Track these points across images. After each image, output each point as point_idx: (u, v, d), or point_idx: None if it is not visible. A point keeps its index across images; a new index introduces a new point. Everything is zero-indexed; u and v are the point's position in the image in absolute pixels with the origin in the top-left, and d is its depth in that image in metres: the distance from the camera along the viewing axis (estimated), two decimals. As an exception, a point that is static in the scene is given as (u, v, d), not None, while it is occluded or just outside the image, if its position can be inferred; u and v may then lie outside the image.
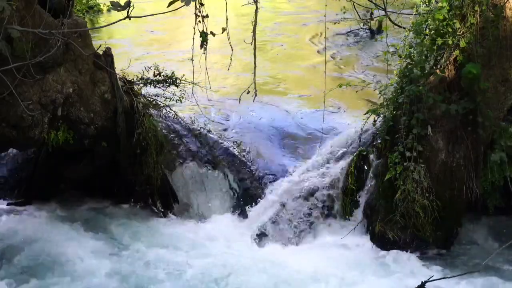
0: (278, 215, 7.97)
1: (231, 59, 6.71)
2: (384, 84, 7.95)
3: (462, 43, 7.06)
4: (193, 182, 8.49)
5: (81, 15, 14.04)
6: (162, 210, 8.34)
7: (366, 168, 7.96)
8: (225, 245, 7.59)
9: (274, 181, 8.42)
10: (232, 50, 6.58)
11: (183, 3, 4.09)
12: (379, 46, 12.08)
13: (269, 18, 14.03)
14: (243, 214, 8.18)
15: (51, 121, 7.25)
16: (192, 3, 4.22)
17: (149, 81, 8.44)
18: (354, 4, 11.77)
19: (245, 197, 8.36)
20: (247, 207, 8.26)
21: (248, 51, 9.25)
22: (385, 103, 7.78)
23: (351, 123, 8.98)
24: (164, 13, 4.55)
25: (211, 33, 6.18)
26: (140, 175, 8.14)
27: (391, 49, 7.91)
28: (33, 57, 6.24)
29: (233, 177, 8.50)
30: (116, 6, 4.02)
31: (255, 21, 6.59)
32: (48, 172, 8.26)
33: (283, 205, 8.03)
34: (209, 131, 8.97)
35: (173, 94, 8.48)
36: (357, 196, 7.92)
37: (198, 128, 8.92)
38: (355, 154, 8.09)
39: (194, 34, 6.24)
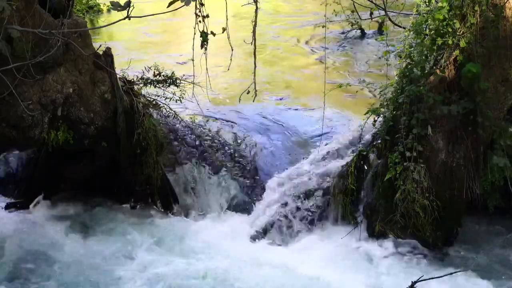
0: (278, 215, 7.97)
1: (231, 59, 6.71)
2: (384, 84, 7.95)
3: (462, 43, 7.05)
4: (193, 182, 8.49)
5: (81, 15, 14.03)
6: (162, 210, 8.34)
7: (366, 168, 7.95)
8: (224, 245, 7.59)
9: (274, 181, 8.42)
10: (232, 50, 6.58)
11: (183, 3, 4.09)
12: (370, 47, 12.13)
13: (265, 20, 13.96)
14: (243, 214, 8.18)
15: (51, 121, 7.25)
16: (192, 3, 4.22)
17: (149, 81, 8.44)
18: (354, 4, 11.80)
19: (245, 197, 8.36)
20: (247, 207, 8.27)
21: (248, 54, 9.31)
22: (385, 103, 7.78)
23: (351, 123, 8.98)
24: (164, 13, 4.55)
25: (212, 33, 6.18)
26: (140, 175, 8.14)
27: (386, 49, 7.91)
28: (33, 57, 6.24)
29: (233, 177, 8.49)
30: (116, 6, 4.02)
31: (255, 21, 6.59)
32: (48, 172, 8.27)
33: (283, 205, 8.03)
34: (209, 131, 8.98)
35: (173, 94, 8.48)
36: (357, 196, 7.91)
37: (198, 128, 8.92)
38: (355, 154, 8.09)
39: (195, 34, 6.24)
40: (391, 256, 7.36)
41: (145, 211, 8.31)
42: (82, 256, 7.25)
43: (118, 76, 7.95)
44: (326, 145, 8.65)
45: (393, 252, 7.39)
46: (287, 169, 8.54)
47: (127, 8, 3.94)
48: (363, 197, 7.88)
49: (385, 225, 7.47)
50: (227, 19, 6.44)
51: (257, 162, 8.70)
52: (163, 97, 8.52)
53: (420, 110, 7.33)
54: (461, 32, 7.11)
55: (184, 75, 8.49)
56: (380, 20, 12.63)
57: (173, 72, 8.59)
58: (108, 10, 15.72)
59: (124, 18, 4.08)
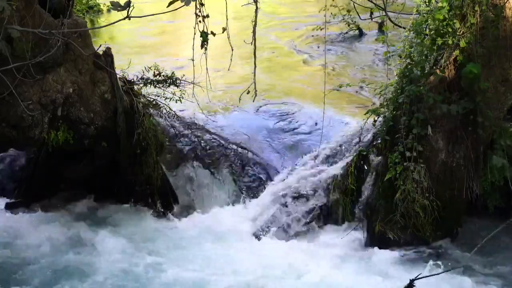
0: (277, 214, 7.97)
1: (231, 59, 6.71)
2: (384, 84, 7.95)
3: (462, 43, 7.06)
4: (193, 182, 8.49)
5: (81, 15, 14.03)
6: (162, 210, 8.34)
7: (366, 168, 7.96)
8: (224, 245, 7.58)
9: (274, 180, 8.43)
10: (232, 50, 6.58)
11: (183, 3, 4.09)
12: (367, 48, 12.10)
13: (263, 24, 13.89)
14: (243, 214, 8.17)
15: (51, 121, 7.25)
16: (192, 3, 4.21)
17: (149, 81, 8.44)
18: (354, 4, 11.79)
19: (245, 197, 8.36)
20: (247, 207, 8.26)
21: (243, 58, 9.32)
22: (385, 103, 7.78)
23: (351, 123, 8.98)
24: (164, 13, 4.55)
25: (212, 33, 6.18)
26: (140, 175, 8.14)
27: (385, 50, 7.91)
28: (33, 57, 6.24)
29: (233, 177, 8.50)
30: (116, 6, 4.02)
31: (255, 21, 6.59)
32: (48, 172, 8.27)
33: (282, 204, 8.03)
34: (209, 130, 8.98)
35: (173, 94, 8.48)
36: (357, 196, 7.91)
37: (198, 127, 8.92)
38: (355, 154, 8.09)
39: (195, 34, 6.24)
40: (391, 256, 7.35)
41: (145, 211, 8.31)
42: (82, 256, 7.25)
43: (118, 76, 7.95)
44: (326, 145, 8.64)
45: (393, 252, 7.39)
46: (287, 169, 8.54)
47: (127, 8, 3.94)
48: (363, 197, 7.88)
49: (385, 225, 7.46)
50: (227, 19, 6.44)
51: (257, 162, 8.70)
52: (163, 97, 8.52)
53: (420, 110, 7.33)
54: (461, 32, 7.12)
55: (184, 75, 8.48)
56: (380, 20, 12.62)
57: (173, 72, 8.59)
58: (108, 10, 15.72)
59: (124, 18, 4.08)
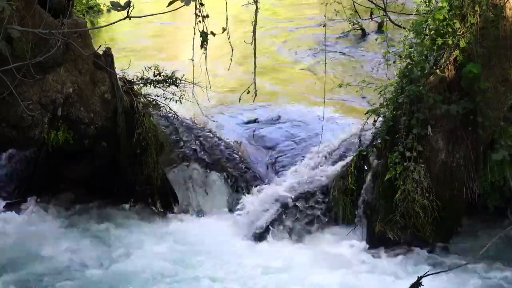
0: (277, 214, 7.96)
1: (231, 59, 6.72)
2: (384, 84, 7.95)
3: (462, 43, 7.05)
4: (193, 182, 8.49)
5: (81, 15, 14.02)
6: (162, 210, 8.34)
7: (366, 168, 7.95)
8: (224, 245, 7.59)
9: (274, 181, 8.42)
10: (232, 50, 6.59)
11: (183, 3, 4.08)
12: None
13: (262, 27, 13.82)
14: (243, 214, 8.16)
15: (51, 121, 7.25)
16: (192, 3, 4.21)
17: (149, 81, 8.44)
18: (354, 4, 11.78)
19: (244, 197, 8.35)
20: (246, 207, 8.25)
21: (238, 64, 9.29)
22: (385, 103, 7.78)
23: (351, 123, 8.99)
24: (164, 13, 4.55)
25: (211, 33, 6.18)
26: (140, 175, 8.14)
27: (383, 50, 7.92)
28: (33, 57, 6.25)
29: (233, 177, 8.49)
30: (116, 6, 4.01)
31: (255, 21, 6.59)
32: (48, 172, 8.27)
33: (282, 205, 8.02)
34: (209, 131, 8.98)
35: (173, 94, 8.48)
36: (357, 196, 7.91)
37: (198, 128, 8.92)
38: (355, 154, 8.08)
39: (194, 34, 6.24)
40: (391, 256, 7.35)
41: (145, 211, 8.31)
42: (82, 256, 7.25)
43: (118, 76, 7.95)
44: (326, 145, 8.64)
45: (393, 252, 7.39)
46: (287, 169, 8.54)
47: (127, 8, 3.94)
48: (363, 197, 7.88)
49: (385, 225, 7.46)
50: (227, 19, 6.44)
51: (257, 162, 8.70)
52: (163, 97, 8.53)
53: (420, 110, 7.33)
54: (461, 32, 7.11)
55: (184, 75, 8.48)
56: (380, 20, 12.63)
57: (173, 72, 8.59)
58: (108, 10, 15.72)
59: (124, 18, 4.07)
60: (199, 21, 6.23)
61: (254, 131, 9.22)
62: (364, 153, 7.97)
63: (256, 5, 6.48)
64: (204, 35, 6.20)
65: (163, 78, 8.50)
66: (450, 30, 7.15)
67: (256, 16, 6.55)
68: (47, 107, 7.14)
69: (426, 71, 7.44)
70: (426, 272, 5.51)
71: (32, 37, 6.54)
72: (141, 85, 8.39)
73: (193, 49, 6.24)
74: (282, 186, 8.25)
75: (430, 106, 7.29)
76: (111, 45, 8.20)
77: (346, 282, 6.87)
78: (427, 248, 7.42)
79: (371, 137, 8.25)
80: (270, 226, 7.91)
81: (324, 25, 11.28)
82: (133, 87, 8.19)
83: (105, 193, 8.34)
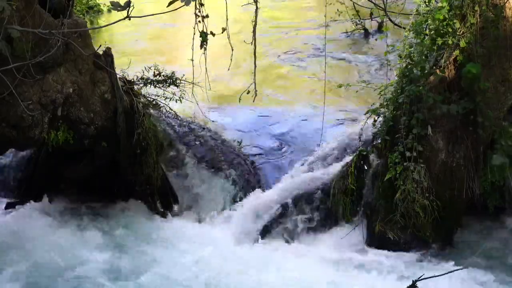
0: (277, 215, 7.96)
1: (231, 59, 6.72)
2: (384, 84, 7.95)
3: (462, 43, 7.06)
4: (193, 182, 8.49)
5: (81, 15, 14.02)
6: (162, 210, 8.34)
7: (366, 168, 7.95)
8: (224, 245, 7.59)
9: (274, 181, 8.43)
10: (232, 50, 6.59)
11: (183, 3, 4.09)
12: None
13: (261, 29, 13.68)
14: (243, 214, 8.16)
15: (51, 121, 7.25)
16: (192, 3, 4.22)
17: (149, 81, 8.44)
18: (354, 5, 11.78)
19: (244, 197, 8.36)
20: (246, 207, 8.26)
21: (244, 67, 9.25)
22: (385, 103, 7.78)
23: (351, 124, 8.99)
24: (164, 13, 4.55)
25: (211, 33, 6.19)
26: (140, 175, 8.14)
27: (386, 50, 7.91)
28: (33, 57, 6.25)
29: (233, 177, 8.49)
30: (116, 6, 4.02)
31: (255, 21, 6.60)
32: (48, 172, 8.27)
33: (282, 205, 8.02)
34: (209, 130, 8.98)
35: (173, 94, 8.49)
36: (357, 196, 7.91)
37: (198, 127, 8.92)
38: (355, 154, 8.09)
39: (194, 34, 6.25)
40: (391, 256, 7.35)
41: (145, 211, 8.31)
42: (82, 256, 7.25)
43: (118, 76, 7.95)
44: (326, 145, 8.64)
45: (393, 252, 7.39)
46: (287, 169, 8.54)
47: (127, 8, 3.94)
48: (363, 197, 7.88)
49: (385, 225, 7.46)
50: (227, 19, 6.45)
51: (257, 162, 8.70)
52: (163, 97, 8.53)
53: (420, 110, 7.33)
54: (461, 32, 7.12)
55: (184, 75, 8.49)
56: (380, 21, 12.62)
57: (173, 72, 8.60)
58: (108, 10, 15.72)
59: (124, 18, 4.08)
60: (199, 21, 6.24)
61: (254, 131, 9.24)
62: (364, 153, 7.97)
63: (256, 5, 6.49)
64: (203, 35, 6.21)
65: (163, 78, 8.51)
66: (450, 30, 7.15)
67: (256, 16, 6.55)
68: (47, 107, 7.14)
69: (426, 71, 7.44)
70: (421, 276, 5.53)
71: (32, 37, 6.54)
72: (141, 85, 8.39)
73: (192, 49, 6.25)
74: (282, 186, 8.25)
75: (430, 106, 7.29)
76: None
77: (346, 282, 6.87)
78: (427, 248, 7.42)
79: (371, 137, 8.25)
80: (270, 226, 7.92)
81: (327, 25, 11.24)
82: (133, 87, 8.20)
83: (105, 193, 8.35)
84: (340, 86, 8.85)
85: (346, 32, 13.22)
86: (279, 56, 12.50)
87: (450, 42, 7.16)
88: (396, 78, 7.81)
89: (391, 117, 7.61)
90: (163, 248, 7.48)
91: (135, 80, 8.35)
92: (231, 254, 7.41)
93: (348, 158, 8.22)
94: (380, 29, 12.80)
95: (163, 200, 8.36)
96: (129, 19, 4.02)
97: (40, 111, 7.05)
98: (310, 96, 10.19)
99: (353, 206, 7.89)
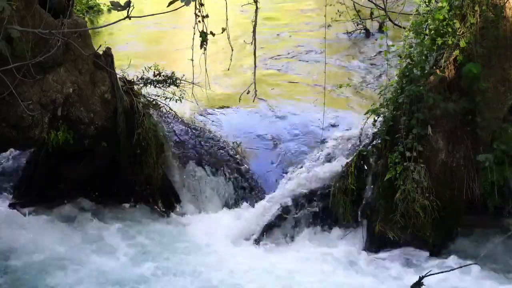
0: (277, 215, 7.96)
1: (231, 59, 6.72)
2: (384, 84, 7.95)
3: (462, 43, 7.06)
4: (193, 182, 8.49)
5: (81, 15, 14.01)
6: (164, 210, 8.34)
7: (366, 168, 7.95)
8: (224, 246, 7.58)
9: (274, 181, 8.43)
10: (232, 50, 6.59)
11: (183, 3, 4.09)
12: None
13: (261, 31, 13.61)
14: (243, 215, 8.17)
15: (51, 121, 7.25)
16: (192, 3, 4.22)
17: (149, 81, 8.44)
18: (355, 4, 11.76)
19: (244, 198, 8.36)
20: (246, 207, 8.26)
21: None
22: (385, 103, 7.78)
23: (351, 124, 8.99)
24: (164, 13, 4.55)
25: (211, 32, 6.18)
26: (140, 175, 8.14)
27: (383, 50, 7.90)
28: (33, 57, 6.25)
29: (233, 177, 8.49)
30: (116, 6, 4.02)
31: (255, 21, 6.60)
32: (48, 172, 8.26)
33: (282, 205, 8.02)
34: (209, 131, 8.98)
35: (173, 94, 8.49)
36: (357, 196, 7.91)
37: (198, 128, 8.92)
38: (355, 154, 8.08)
39: (194, 34, 6.25)
40: (392, 256, 7.35)
41: (146, 211, 8.31)
42: (82, 257, 7.25)
43: (118, 76, 7.95)
44: (326, 145, 8.64)
45: (393, 252, 7.39)
46: (287, 169, 8.54)
47: (127, 8, 3.94)
48: (363, 197, 7.88)
49: (385, 225, 7.46)
50: (227, 19, 6.45)
51: (257, 162, 8.70)
52: (163, 97, 8.53)
53: (420, 110, 7.33)
54: (461, 32, 7.12)
55: (184, 75, 8.48)
56: (380, 21, 12.61)
57: (173, 72, 8.59)
58: (108, 10, 15.71)
59: (124, 18, 4.08)
60: (199, 21, 6.24)
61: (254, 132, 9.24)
62: (364, 153, 7.97)
63: (256, 5, 6.49)
64: (203, 35, 6.21)
65: (163, 78, 8.51)
66: (450, 30, 7.15)
67: (256, 16, 6.55)
68: (47, 107, 7.14)
69: (426, 71, 7.44)
70: (428, 272, 5.52)
71: (32, 37, 6.54)
72: (141, 85, 8.39)
73: (192, 49, 6.25)
74: (282, 187, 8.25)
75: (430, 106, 7.29)
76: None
77: (346, 282, 6.87)
78: (427, 248, 7.41)
79: (371, 137, 8.25)
80: (270, 226, 7.91)
81: (328, 26, 11.20)
82: (133, 87, 8.20)
83: (105, 193, 8.34)
84: (340, 86, 8.85)
85: (347, 33, 13.18)
86: (278, 56, 12.50)
87: (450, 42, 7.16)
88: (396, 78, 7.81)
89: (391, 117, 7.61)
90: (163, 247, 7.47)
91: (135, 80, 8.35)
92: (231, 254, 7.41)
93: (348, 158, 8.22)
94: (381, 29, 12.78)
95: (165, 200, 8.36)
96: (129, 19, 4.02)
97: (40, 111, 7.05)
98: (310, 97, 10.18)
99: (353, 206, 7.88)
